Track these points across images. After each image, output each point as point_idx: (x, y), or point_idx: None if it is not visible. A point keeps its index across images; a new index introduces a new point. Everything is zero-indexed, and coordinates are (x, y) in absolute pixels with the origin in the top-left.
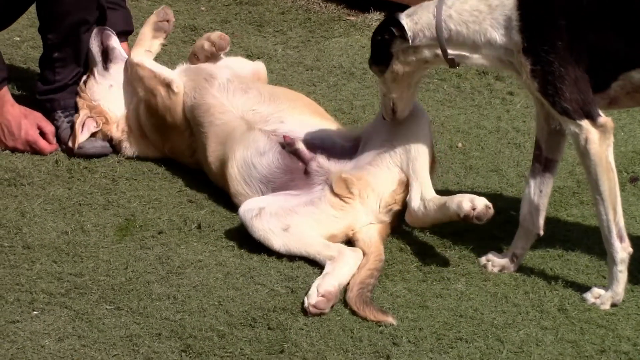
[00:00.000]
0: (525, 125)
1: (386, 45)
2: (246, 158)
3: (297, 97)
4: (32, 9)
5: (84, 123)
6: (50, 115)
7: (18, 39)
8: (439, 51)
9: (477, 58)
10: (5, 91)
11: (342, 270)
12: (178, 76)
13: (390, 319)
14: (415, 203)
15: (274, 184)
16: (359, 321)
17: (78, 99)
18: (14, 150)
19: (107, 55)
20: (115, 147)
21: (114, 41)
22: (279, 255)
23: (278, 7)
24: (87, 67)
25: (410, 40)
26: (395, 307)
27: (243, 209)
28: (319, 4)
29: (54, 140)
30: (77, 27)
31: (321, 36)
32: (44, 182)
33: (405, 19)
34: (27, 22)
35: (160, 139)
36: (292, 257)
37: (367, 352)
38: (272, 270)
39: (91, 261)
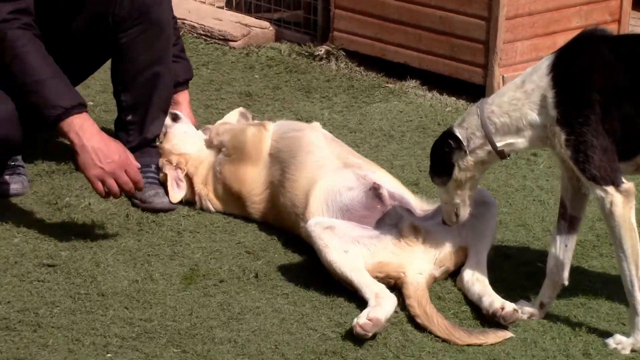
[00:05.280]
0: (549, 183)
1: (447, 157)
2: (335, 186)
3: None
4: (105, 76)
5: (173, 179)
6: None
7: (92, 103)
8: (489, 147)
9: (521, 142)
10: (88, 117)
11: (387, 307)
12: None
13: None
14: (467, 276)
15: (350, 215)
16: None
17: (160, 159)
18: (101, 179)
19: (175, 118)
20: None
21: (179, 113)
22: (329, 303)
23: (324, 75)
24: (157, 127)
25: (466, 147)
26: (434, 350)
27: (315, 221)
28: (361, 73)
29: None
30: (149, 85)
31: (363, 102)
32: (116, 235)
33: (458, 129)
34: (100, 88)
35: (235, 173)
36: (341, 305)
37: None
38: (323, 316)
39: (159, 307)
